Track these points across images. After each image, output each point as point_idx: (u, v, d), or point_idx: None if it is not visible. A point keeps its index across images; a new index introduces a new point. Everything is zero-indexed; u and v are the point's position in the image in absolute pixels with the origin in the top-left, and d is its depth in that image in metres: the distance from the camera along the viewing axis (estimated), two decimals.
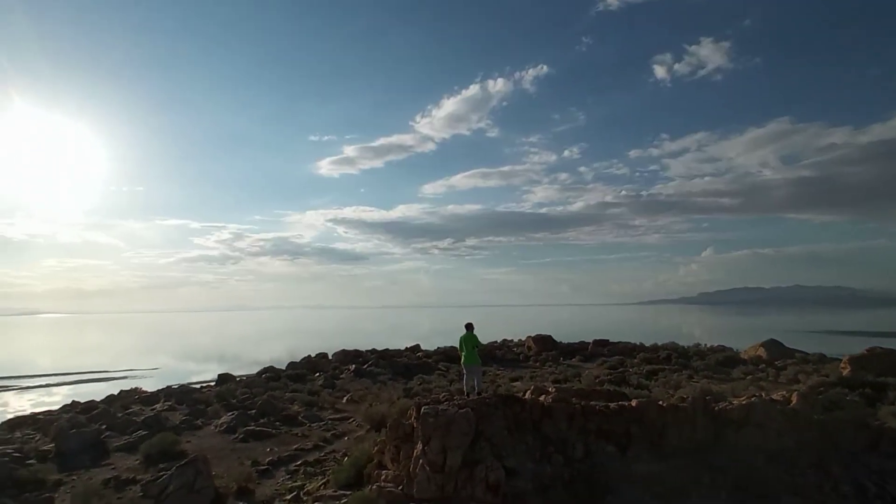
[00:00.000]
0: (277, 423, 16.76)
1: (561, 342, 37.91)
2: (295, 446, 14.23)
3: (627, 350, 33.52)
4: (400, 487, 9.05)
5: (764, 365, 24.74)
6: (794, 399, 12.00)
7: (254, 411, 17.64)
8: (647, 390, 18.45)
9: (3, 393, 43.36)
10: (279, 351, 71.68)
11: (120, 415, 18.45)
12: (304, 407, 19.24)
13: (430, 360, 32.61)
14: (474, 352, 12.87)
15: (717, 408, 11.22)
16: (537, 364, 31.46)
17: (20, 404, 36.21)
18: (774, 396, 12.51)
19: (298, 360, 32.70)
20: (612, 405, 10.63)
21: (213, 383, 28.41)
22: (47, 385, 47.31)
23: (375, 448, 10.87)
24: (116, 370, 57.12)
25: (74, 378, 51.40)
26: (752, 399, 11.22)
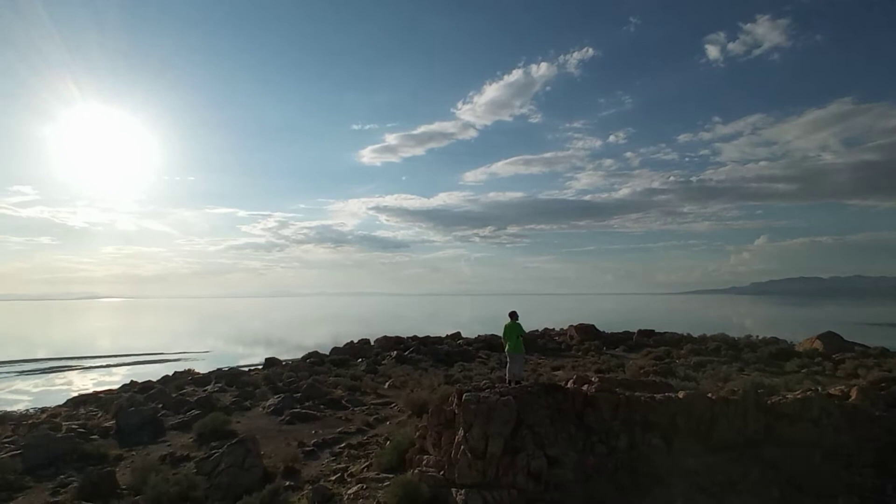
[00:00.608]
0: (322, 406, 17.17)
1: (604, 332, 37.28)
2: (339, 429, 14.55)
3: (674, 341, 32.62)
4: (441, 472, 9.11)
5: (820, 358, 23.60)
6: (854, 394, 11.42)
7: (299, 394, 18.11)
8: (695, 382, 17.92)
9: (67, 372, 46.27)
10: (323, 336, 73.45)
11: (174, 395, 19.34)
12: (347, 391, 19.63)
13: (470, 348, 32.68)
14: (518, 340, 12.80)
15: (769, 401, 10.80)
16: (579, 353, 31.06)
17: (83, 383, 38.58)
18: (832, 391, 11.94)
19: (341, 346, 33.40)
20: (658, 396, 10.37)
21: (260, 367, 29.40)
22: (107, 366, 50.13)
23: (417, 433, 10.97)
24: (170, 352, 59.87)
25: (132, 359, 54.23)
26: (808, 393, 10.74)
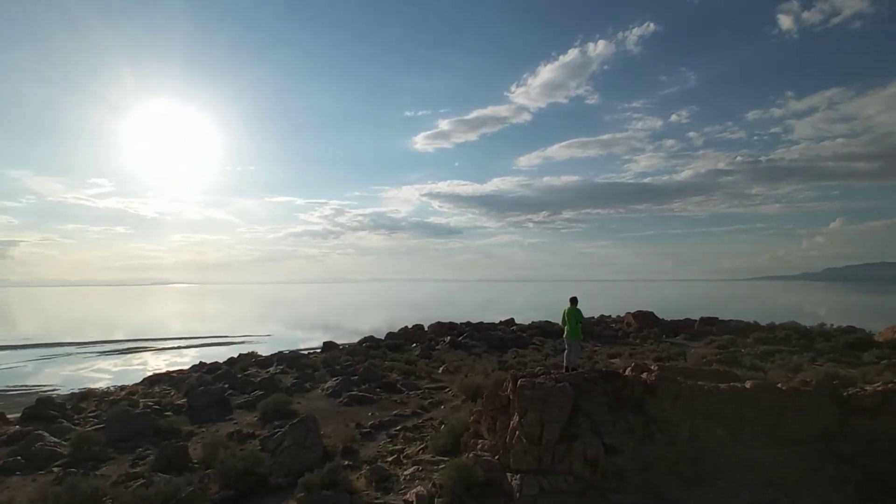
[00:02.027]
0: (378, 389, 17.55)
1: (663, 319, 36.14)
2: (394, 412, 14.83)
3: (739, 329, 31.19)
4: (496, 457, 9.12)
5: None
6: None
7: (356, 377, 18.58)
8: (763, 372, 17.08)
9: (143, 353, 49.48)
10: (378, 321, 74.95)
11: (239, 375, 20.30)
12: (402, 375, 19.98)
13: (524, 334, 32.47)
14: (576, 326, 12.59)
15: (845, 394, 10.15)
16: (637, 341, 30.26)
17: (157, 363, 41.13)
18: None
19: (396, 331, 33.98)
20: (722, 386, 9.95)
21: (318, 350, 30.37)
22: (178, 347, 53.23)
23: (472, 417, 11.02)
24: (235, 336, 62.78)
25: (200, 342, 57.28)
26: (890, 385, 10.00)
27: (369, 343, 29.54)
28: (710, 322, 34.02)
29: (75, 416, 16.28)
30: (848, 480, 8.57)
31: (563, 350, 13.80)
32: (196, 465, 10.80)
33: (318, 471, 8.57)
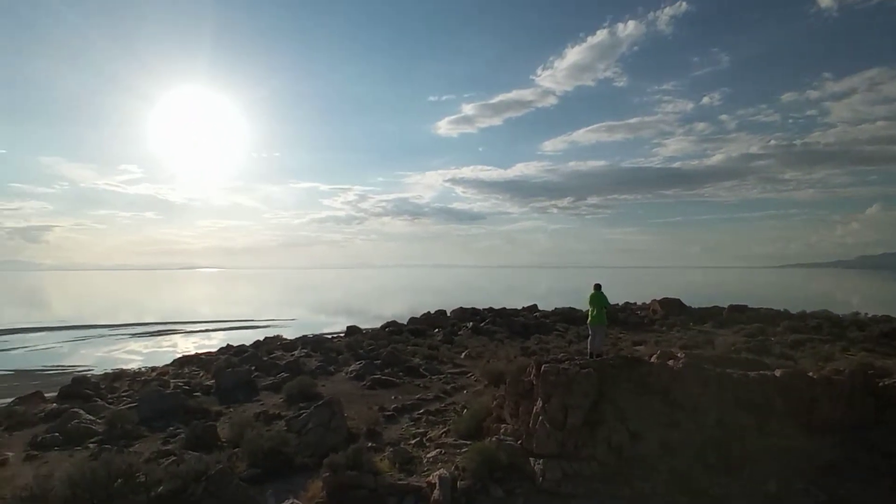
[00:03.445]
0: (400, 373, 17.69)
1: (690, 306, 35.56)
2: (417, 396, 14.94)
3: (769, 317, 30.51)
4: (519, 441, 9.12)
5: None
6: None
7: (379, 362, 18.76)
8: (793, 361, 16.69)
9: (172, 335, 50.78)
10: (400, 307, 75.42)
11: (265, 358, 20.67)
12: (424, 360, 20.10)
13: (547, 321, 32.33)
14: (601, 312, 12.46)
15: (881, 384, 9.85)
16: (663, 329, 29.86)
17: (186, 346, 42.16)
18: None
19: (419, 316, 34.18)
20: (751, 374, 9.75)
21: (342, 334, 30.73)
22: (206, 330, 54.47)
23: (494, 402, 11.03)
24: (260, 319, 63.91)
25: (227, 325, 58.47)
26: None
27: (392, 328, 29.78)
28: (739, 310, 33.35)
29: (109, 396, 16.82)
30: (883, 473, 8.34)
31: (588, 337, 13.68)
32: (224, 444, 11.05)
33: (343, 451, 8.68)
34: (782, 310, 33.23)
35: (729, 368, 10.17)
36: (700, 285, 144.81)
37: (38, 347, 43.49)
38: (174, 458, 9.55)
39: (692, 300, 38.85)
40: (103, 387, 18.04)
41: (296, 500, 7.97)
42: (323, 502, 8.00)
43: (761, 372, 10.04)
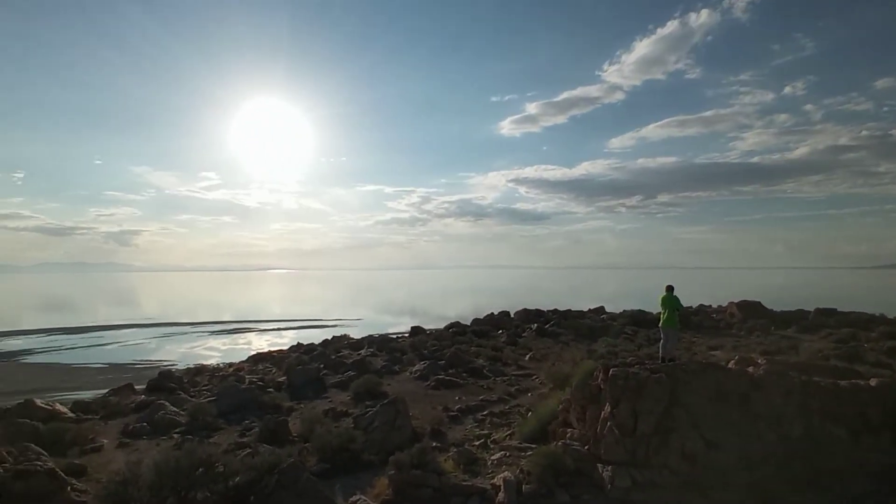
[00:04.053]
0: (464, 374, 17.69)
1: (772, 309, 33.36)
2: (481, 397, 14.88)
3: (862, 322, 28.11)
4: (586, 447, 8.87)
5: None
6: None
7: (443, 362, 18.85)
8: (890, 370, 15.28)
9: (247, 333, 53.47)
10: (463, 307, 75.62)
11: (333, 357, 21.30)
12: (488, 361, 19.99)
13: (615, 323, 31.33)
14: (674, 315, 11.88)
15: None
16: (742, 333, 28.19)
17: (260, 343, 44.26)
18: None
19: (482, 317, 34.06)
20: (842, 383, 9.02)
21: (406, 334, 31.15)
22: (278, 329, 56.93)
23: (560, 406, 10.80)
24: (328, 319, 66.03)
25: (297, 324, 60.84)
26: None
27: (455, 329, 29.86)
28: (827, 313, 30.94)
29: (191, 389, 17.91)
30: None
31: (659, 340, 13.12)
32: (295, 439, 11.48)
33: (408, 450, 8.77)
34: (877, 314, 30.55)
35: (816, 376, 9.46)
36: (782, 287, 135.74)
37: (129, 343, 47.09)
38: (249, 450, 10.02)
39: (774, 303, 36.46)
40: (186, 381, 19.24)
41: (363, 497, 8.13)
42: (389, 500, 8.11)
43: (854, 381, 9.27)
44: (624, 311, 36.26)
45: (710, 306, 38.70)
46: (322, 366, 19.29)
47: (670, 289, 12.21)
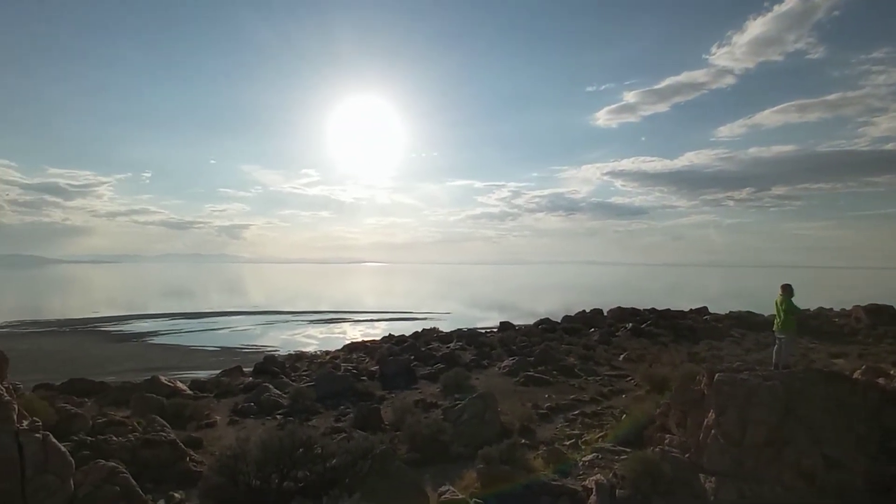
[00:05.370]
0: (554, 371, 17.32)
1: None
2: (572, 396, 14.50)
3: None
4: (686, 455, 8.33)
5: None
6: None
7: (532, 359, 18.59)
8: None
9: (342, 323, 56.06)
10: (554, 304, 74.29)
11: (423, 349, 21.74)
12: (579, 360, 19.44)
13: (720, 325, 29.26)
14: (790, 318, 10.85)
15: None
16: (870, 340, 25.24)
17: (354, 333, 46.28)
18: None
19: (573, 315, 33.19)
20: None
21: (495, 329, 31.10)
22: (371, 320, 59.18)
23: (658, 410, 10.23)
24: (418, 312, 67.57)
25: (389, 316, 62.86)
26: None
27: (545, 325, 29.35)
28: None
29: (292, 374, 19.08)
30: None
31: (770, 345, 12.07)
32: (387, 427, 11.84)
33: (497, 445, 8.72)
34: None
35: None
36: None
37: (238, 328, 51.17)
38: (345, 434, 10.46)
39: None
40: (287, 366, 20.53)
41: (452, 488, 8.19)
42: (477, 493, 8.11)
43: None
44: (730, 312, 33.67)
45: (832, 309, 34.96)
46: (412, 357, 19.74)
47: (786, 289, 11.15)
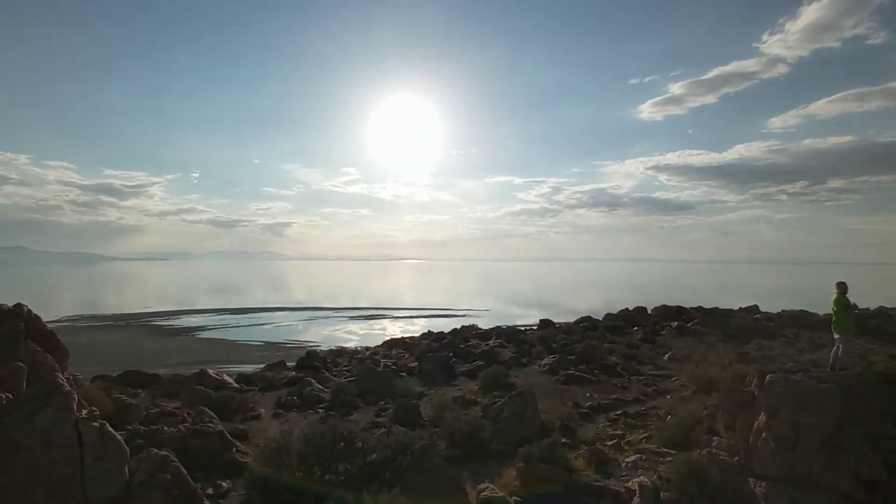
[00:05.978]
0: (596, 370, 17.02)
1: None
2: (614, 396, 14.21)
3: None
4: (735, 458, 8.04)
5: None
6: None
7: (573, 357, 18.33)
8: None
9: (382, 319, 56.66)
10: (595, 302, 73.08)
11: (462, 346, 21.75)
12: (622, 359, 19.03)
13: (771, 324, 28.09)
14: (846, 318, 10.29)
15: None
16: None
17: (393, 329, 46.73)
18: None
19: (615, 312, 32.53)
20: None
21: (535, 327, 30.82)
22: (410, 316, 59.60)
23: (705, 411, 9.92)
24: (457, 308, 67.65)
25: (428, 312, 63.16)
26: None
27: (586, 323, 28.86)
28: None
29: (333, 369, 19.40)
30: None
31: (825, 346, 11.49)
32: (426, 423, 11.90)
33: (537, 444, 8.63)
34: None
35: None
36: None
37: (282, 324, 52.49)
38: (384, 430, 10.56)
39: None
40: (329, 361, 20.89)
41: (491, 485, 8.15)
42: (517, 491, 8.05)
43: None
44: (783, 311, 32.26)
45: (893, 309, 33.08)
46: (451, 354, 19.78)
47: (843, 287, 10.59)
